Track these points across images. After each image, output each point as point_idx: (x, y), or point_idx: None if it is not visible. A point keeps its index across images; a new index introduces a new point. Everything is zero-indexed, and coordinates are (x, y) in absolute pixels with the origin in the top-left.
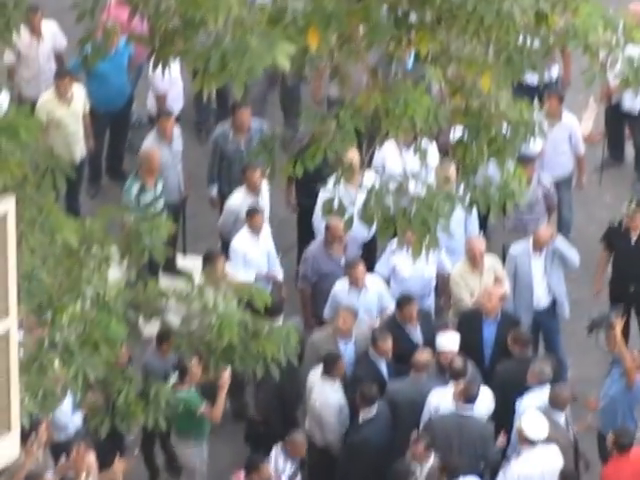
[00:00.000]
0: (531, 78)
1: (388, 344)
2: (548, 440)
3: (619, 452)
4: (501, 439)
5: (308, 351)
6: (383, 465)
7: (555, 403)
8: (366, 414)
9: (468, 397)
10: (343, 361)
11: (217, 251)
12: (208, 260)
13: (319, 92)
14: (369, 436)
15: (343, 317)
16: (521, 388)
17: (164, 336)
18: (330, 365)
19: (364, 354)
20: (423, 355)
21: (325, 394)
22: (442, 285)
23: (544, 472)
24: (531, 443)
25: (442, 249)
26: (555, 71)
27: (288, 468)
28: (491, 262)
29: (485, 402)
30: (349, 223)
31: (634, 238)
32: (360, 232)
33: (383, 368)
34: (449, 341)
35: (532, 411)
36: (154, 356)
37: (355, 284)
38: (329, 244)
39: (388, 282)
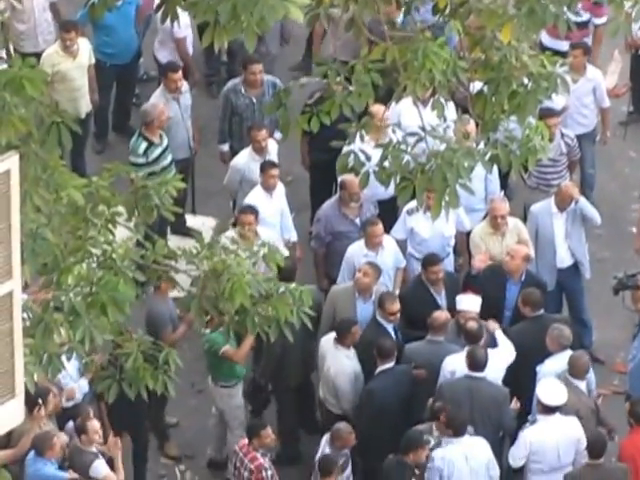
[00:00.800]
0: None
1: (395, 307)
2: (567, 408)
3: (637, 423)
4: (514, 404)
5: (326, 305)
6: (401, 426)
7: (574, 371)
8: (384, 365)
9: (473, 364)
10: (357, 328)
11: (249, 207)
12: (243, 214)
13: (319, 51)
14: (387, 385)
15: (365, 271)
16: (541, 353)
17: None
18: (344, 333)
19: (372, 318)
20: (441, 316)
21: (339, 361)
22: (461, 244)
23: (559, 442)
24: (548, 410)
25: (461, 207)
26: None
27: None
28: (514, 224)
29: (499, 364)
30: (365, 179)
31: None
32: (377, 191)
33: (391, 332)
34: (469, 301)
35: (550, 378)
36: (155, 301)
37: (372, 244)
38: (344, 202)
39: (405, 247)
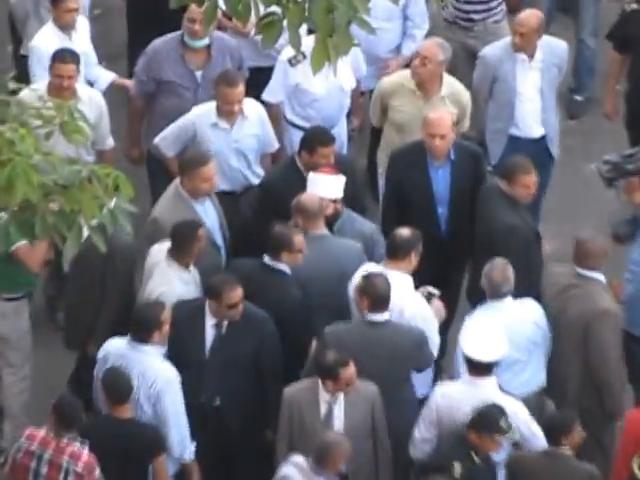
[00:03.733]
0: None
1: (234, 298)
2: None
3: None
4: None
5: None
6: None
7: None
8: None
9: (372, 306)
10: (204, 232)
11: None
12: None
13: None
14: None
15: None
16: None
17: None
18: (182, 244)
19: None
20: (312, 200)
21: (170, 284)
22: (357, 103)
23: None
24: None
25: (357, 49)
26: None
27: None
28: (450, 83)
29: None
30: (212, 10)
31: None
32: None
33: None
34: (324, 183)
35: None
36: None
37: (225, 111)
38: (185, 44)
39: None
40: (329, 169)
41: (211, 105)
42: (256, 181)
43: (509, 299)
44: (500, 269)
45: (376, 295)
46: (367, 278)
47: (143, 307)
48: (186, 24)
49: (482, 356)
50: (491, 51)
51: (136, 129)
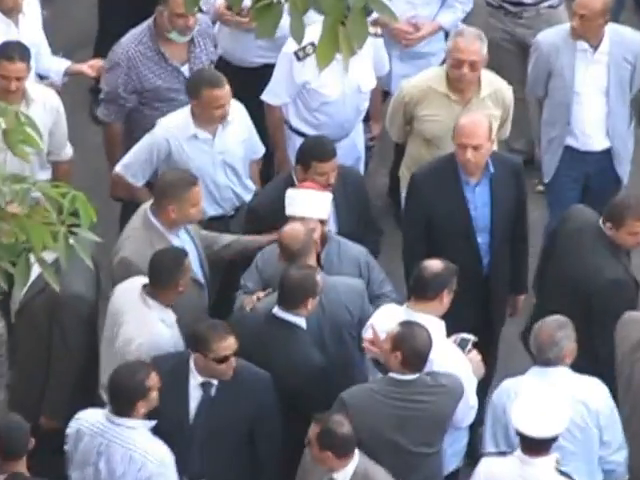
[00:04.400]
0: None
1: (225, 347)
2: None
3: None
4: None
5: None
6: None
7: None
8: None
9: (406, 363)
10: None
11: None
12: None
13: None
14: None
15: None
16: None
17: None
18: (164, 278)
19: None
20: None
21: (149, 326)
22: (376, 105)
23: None
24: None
25: (380, 40)
26: None
27: None
28: (490, 81)
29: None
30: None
31: None
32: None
33: None
34: (305, 200)
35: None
36: None
37: (207, 117)
38: (161, 35)
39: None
40: (312, 183)
41: (182, 114)
42: (248, 197)
43: (561, 370)
44: (551, 329)
45: (414, 351)
46: (406, 328)
47: (122, 372)
48: (174, 20)
49: (537, 431)
50: (547, 38)
51: (118, 157)
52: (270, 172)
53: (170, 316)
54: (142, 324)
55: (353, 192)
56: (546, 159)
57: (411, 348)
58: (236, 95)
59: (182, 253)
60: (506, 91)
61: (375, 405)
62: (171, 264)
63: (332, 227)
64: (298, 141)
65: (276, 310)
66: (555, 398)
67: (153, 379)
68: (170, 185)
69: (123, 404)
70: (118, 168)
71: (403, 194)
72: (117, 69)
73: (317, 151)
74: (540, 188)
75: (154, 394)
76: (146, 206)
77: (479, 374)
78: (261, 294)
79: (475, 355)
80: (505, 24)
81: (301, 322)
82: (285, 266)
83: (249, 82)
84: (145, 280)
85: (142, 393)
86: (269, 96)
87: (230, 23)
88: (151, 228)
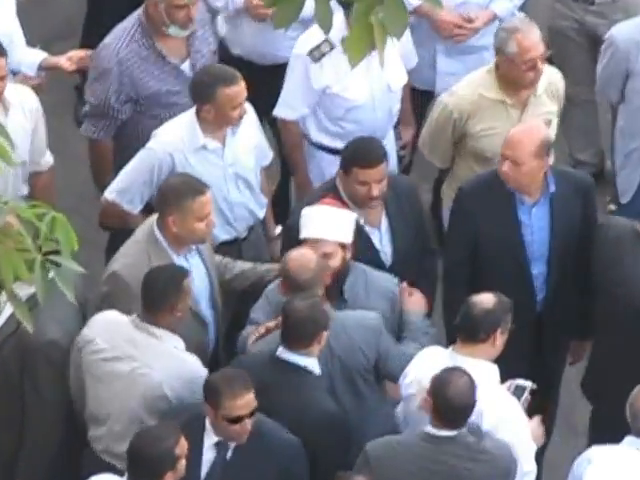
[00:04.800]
0: None
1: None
2: None
3: None
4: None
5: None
6: None
7: None
8: None
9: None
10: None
11: None
12: None
13: None
14: None
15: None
16: None
17: None
18: (159, 300)
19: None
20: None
21: (157, 357)
22: (407, 108)
23: None
24: None
25: (408, 36)
26: None
27: None
28: (548, 77)
29: None
30: None
31: None
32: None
33: None
34: (322, 220)
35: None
36: None
37: (224, 123)
38: (157, 30)
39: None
40: (332, 200)
41: (184, 122)
42: (262, 213)
43: None
44: None
45: (447, 403)
46: (442, 375)
47: (146, 437)
48: (173, 12)
49: None
50: (625, 32)
51: (109, 179)
52: (288, 196)
53: (181, 344)
54: (160, 359)
55: (407, 204)
56: (623, 175)
57: (443, 399)
58: (257, 95)
59: (181, 272)
60: (559, 81)
61: (400, 461)
62: (166, 284)
63: (387, 247)
64: (321, 158)
65: (280, 351)
66: None
67: (182, 446)
68: (172, 190)
69: (147, 476)
70: (111, 195)
71: (445, 216)
72: (107, 77)
73: (359, 154)
74: (612, 207)
75: (182, 463)
76: (154, 217)
77: (539, 443)
78: (271, 324)
79: (537, 426)
80: (574, 11)
81: (313, 366)
82: (287, 299)
83: (274, 81)
84: (122, 317)
85: (170, 463)
86: (283, 110)
87: (264, 16)
88: (154, 242)
